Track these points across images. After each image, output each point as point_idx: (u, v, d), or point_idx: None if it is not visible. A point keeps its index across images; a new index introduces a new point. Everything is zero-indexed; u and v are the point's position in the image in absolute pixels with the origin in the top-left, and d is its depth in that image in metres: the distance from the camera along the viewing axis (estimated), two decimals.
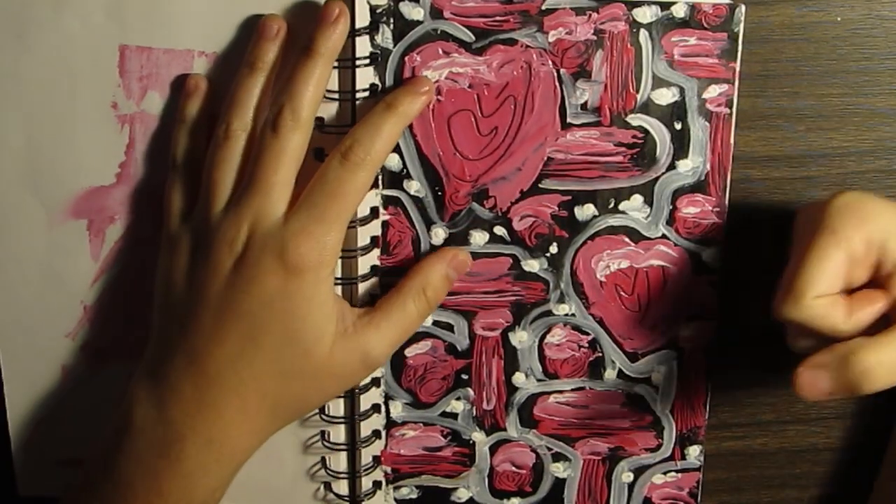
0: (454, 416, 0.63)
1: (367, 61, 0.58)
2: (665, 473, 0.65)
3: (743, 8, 0.57)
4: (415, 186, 0.60)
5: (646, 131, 0.59)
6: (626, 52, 0.58)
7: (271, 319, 0.53)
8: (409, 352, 0.62)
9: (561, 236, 0.61)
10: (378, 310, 0.58)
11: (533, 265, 0.61)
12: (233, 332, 0.53)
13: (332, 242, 0.54)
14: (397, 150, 0.59)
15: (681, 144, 0.59)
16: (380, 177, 0.59)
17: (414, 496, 0.65)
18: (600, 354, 0.62)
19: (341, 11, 0.55)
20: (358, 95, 0.58)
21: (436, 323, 0.62)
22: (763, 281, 0.62)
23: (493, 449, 0.64)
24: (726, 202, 0.60)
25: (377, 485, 0.64)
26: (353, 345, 0.56)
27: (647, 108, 0.59)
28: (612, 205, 0.60)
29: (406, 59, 0.58)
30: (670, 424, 0.64)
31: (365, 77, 0.58)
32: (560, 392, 0.63)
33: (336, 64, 0.57)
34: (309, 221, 0.53)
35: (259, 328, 0.53)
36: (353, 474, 0.63)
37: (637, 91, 0.59)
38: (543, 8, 0.57)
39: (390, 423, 0.63)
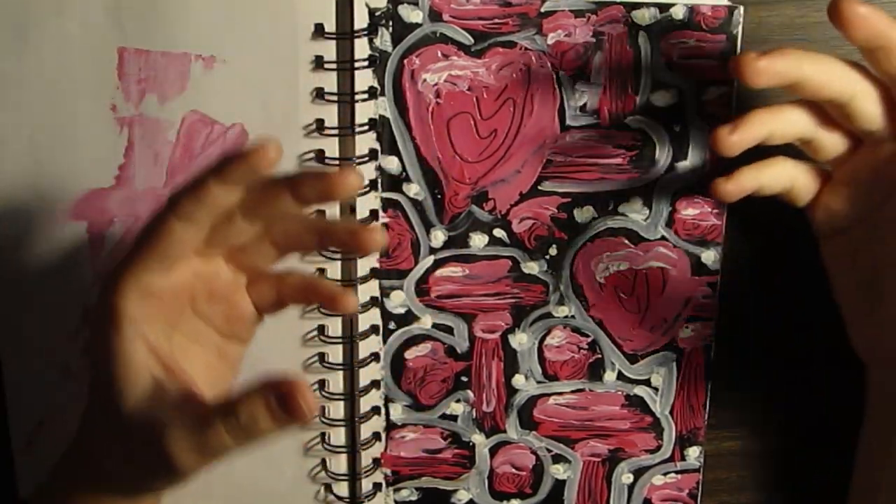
0: (454, 418, 0.63)
1: (366, 64, 0.58)
2: (665, 474, 0.65)
3: (741, 9, 0.57)
4: (414, 189, 0.60)
5: (645, 133, 0.59)
6: (624, 54, 0.58)
7: None
8: (408, 354, 0.62)
9: (560, 238, 0.61)
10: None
11: (532, 267, 0.61)
12: None
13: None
14: (396, 153, 0.59)
15: (680, 146, 0.59)
16: (379, 180, 0.59)
17: (414, 498, 0.65)
18: (600, 356, 0.62)
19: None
20: (357, 98, 0.58)
21: (435, 325, 0.62)
22: (763, 281, 0.62)
23: (493, 451, 0.64)
24: (725, 203, 0.60)
25: (377, 487, 0.64)
26: None
27: (647, 109, 0.59)
28: (611, 207, 0.60)
29: (405, 61, 0.58)
30: (670, 425, 0.64)
31: (364, 80, 0.58)
32: (560, 394, 0.63)
33: (335, 66, 0.57)
34: None
35: None
36: (354, 476, 0.63)
37: (636, 93, 0.59)
38: (542, 10, 0.57)
39: (390, 426, 0.63)
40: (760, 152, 0.55)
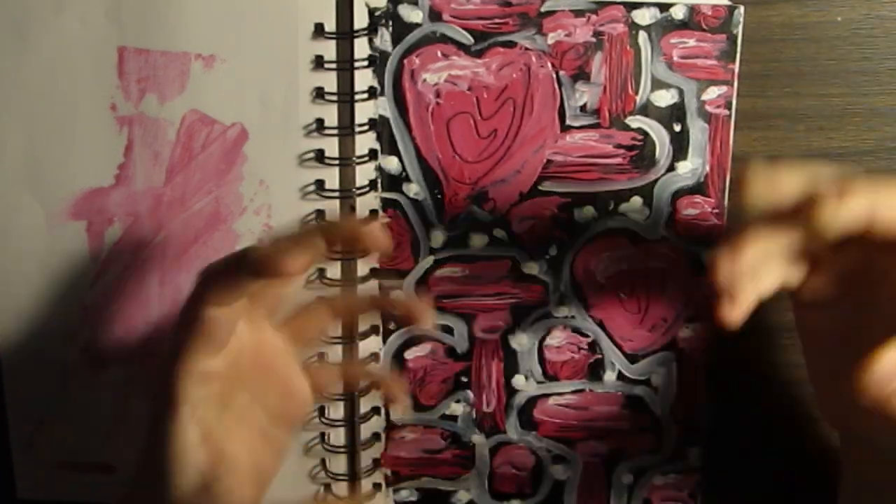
0: (454, 418, 0.63)
1: (366, 63, 0.58)
2: (665, 475, 0.64)
3: (742, 9, 0.57)
4: (414, 189, 0.60)
5: (645, 133, 0.59)
6: (625, 53, 0.58)
7: None
8: (408, 354, 0.62)
9: (560, 238, 0.61)
10: None
11: (532, 267, 0.61)
12: None
13: None
14: (396, 153, 0.59)
15: (680, 146, 0.59)
16: (379, 180, 0.59)
17: (414, 498, 0.65)
18: (600, 356, 0.62)
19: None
20: (357, 97, 0.58)
21: (435, 326, 0.62)
22: None
23: (493, 451, 0.64)
24: (725, 203, 0.60)
25: (377, 487, 0.64)
26: None
27: (647, 109, 0.59)
28: (611, 207, 0.60)
29: (405, 61, 0.58)
30: (670, 426, 0.64)
31: (364, 79, 0.58)
32: (560, 394, 0.63)
33: (335, 66, 0.57)
34: None
35: None
36: (353, 476, 0.63)
37: (636, 93, 0.58)
38: (542, 10, 0.57)
39: (390, 426, 0.63)
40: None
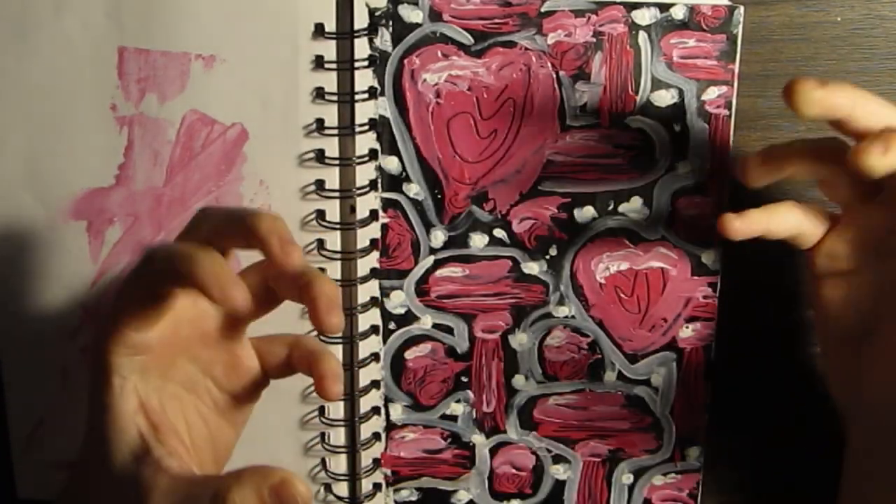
0: (454, 418, 0.63)
1: (366, 63, 0.58)
2: (665, 475, 0.65)
3: (742, 9, 0.57)
4: (414, 189, 0.60)
5: (645, 133, 0.59)
6: (625, 54, 0.58)
7: None
8: (408, 354, 0.62)
9: (560, 238, 0.61)
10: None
11: (532, 267, 0.61)
12: None
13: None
14: (396, 153, 0.59)
15: (680, 146, 0.59)
16: (379, 180, 0.59)
17: (414, 498, 0.65)
18: (600, 356, 0.62)
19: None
20: (357, 98, 0.58)
21: (435, 326, 0.62)
22: (763, 281, 0.62)
23: (493, 451, 0.64)
24: (726, 203, 0.60)
25: (377, 487, 0.64)
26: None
27: (647, 109, 0.59)
28: (611, 207, 0.60)
29: (405, 61, 0.58)
30: (670, 426, 0.64)
31: (364, 79, 0.58)
32: (560, 394, 0.63)
33: (335, 66, 0.57)
34: None
35: None
36: (354, 476, 0.63)
37: (636, 93, 0.59)
38: (542, 10, 0.57)
39: (390, 426, 0.63)
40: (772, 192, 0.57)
